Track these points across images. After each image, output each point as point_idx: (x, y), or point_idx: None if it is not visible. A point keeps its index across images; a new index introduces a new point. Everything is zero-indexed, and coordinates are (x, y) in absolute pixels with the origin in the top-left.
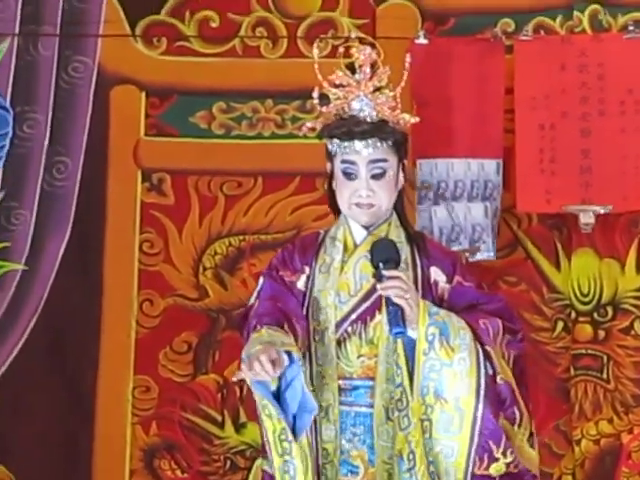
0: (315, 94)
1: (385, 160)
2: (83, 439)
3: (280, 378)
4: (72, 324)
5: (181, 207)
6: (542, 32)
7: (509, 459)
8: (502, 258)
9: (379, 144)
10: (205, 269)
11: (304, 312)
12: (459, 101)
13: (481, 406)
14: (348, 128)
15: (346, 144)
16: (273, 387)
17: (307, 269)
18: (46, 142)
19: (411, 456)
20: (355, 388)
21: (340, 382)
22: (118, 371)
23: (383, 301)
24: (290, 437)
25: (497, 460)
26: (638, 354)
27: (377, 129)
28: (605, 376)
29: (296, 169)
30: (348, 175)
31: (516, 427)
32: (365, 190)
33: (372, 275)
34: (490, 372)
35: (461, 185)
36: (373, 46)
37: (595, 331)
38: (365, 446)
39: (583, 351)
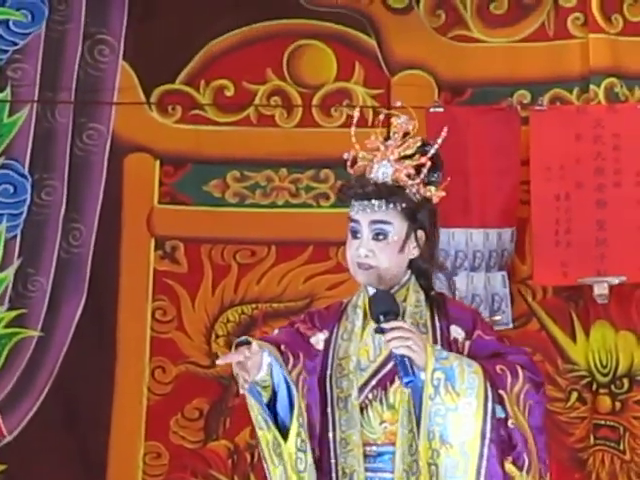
0: (347, 156)
1: (388, 222)
2: None
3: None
4: (85, 390)
5: (194, 275)
6: (558, 104)
7: None
8: (517, 328)
9: (384, 206)
10: (217, 337)
11: (327, 379)
12: (476, 170)
13: (486, 450)
14: (356, 188)
15: (355, 203)
16: (265, 399)
17: (326, 332)
18: (63, 209)
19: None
20: (380, 455)
21: (365, 448)
22: (130, 437)
23: (392, 355)
24: (280, 441)
25: None
26: None
27: (386, 192)
28: (622, 447)
29: (309, 238)
30: (353, 234)
31: (524, 473)
32: (364, 250)
33: (374, 330)
34: (502, 416)
35: (480, 255)
36: (410, 117)
37: (613, 402)
38: None
39: (602, 422)
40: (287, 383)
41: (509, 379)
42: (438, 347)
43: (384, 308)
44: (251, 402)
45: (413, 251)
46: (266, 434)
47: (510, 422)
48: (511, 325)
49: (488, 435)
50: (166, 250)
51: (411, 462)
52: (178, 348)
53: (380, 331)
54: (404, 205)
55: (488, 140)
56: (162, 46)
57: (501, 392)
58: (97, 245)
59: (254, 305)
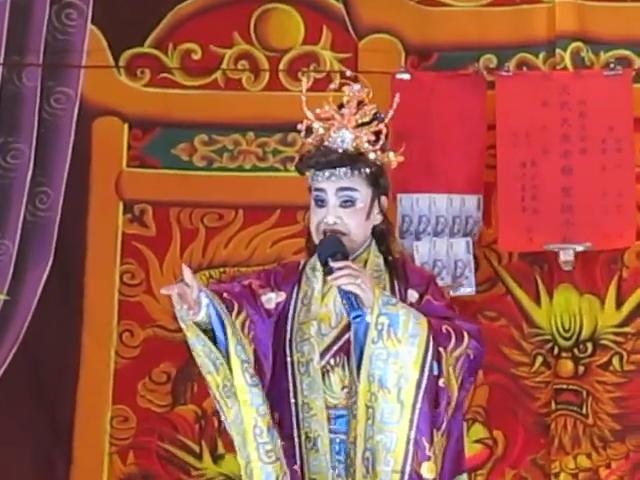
0: (301, 126)
1: (354, 189)
2: (61, 468)
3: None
4: (52, 354)
5: (162, 238)
6: (525, 68)
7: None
8: (482, 293)
9: (349, 173)
10: None
11: (287, 345)
12: (441, 136)
13: (420, 400)
14: (318, 158)
15: (318, 173)
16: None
17: (282, 294)
18: (29, 173)
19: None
20: (339, 417)
21: (326, 412)
22: (97, 401)
23: (337, 292)
24: (230, 377)
25: (429, 459)
26: (617, 390)
27: (349, 159)
28: (584, 411)
29: (277, 202)
30: (318, 203)
31: (440, 435)
32: (332, 217)
33: (322, 273)
34: (435, 372)
35: (443, 221)
36: (358, 81)
37: (576, 367)
38: (345, 473)
39: (564, 386)
40: (223, 324)
41: (452, 341)
42: (387, 293)
43: (333, 250)
44: (196, 346)
45: (377, 217)
46: (215, 377)
47: (442, 381)
48: (474, 291)
49: (423, 386)
50: (134, 213)
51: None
52: (146, 312)
53: (329, 272)
54: (368, 171)
55: (454, 106)
56: (130, 9)
57: (440, 350)
58: (65, 209)
59: (222, 269)
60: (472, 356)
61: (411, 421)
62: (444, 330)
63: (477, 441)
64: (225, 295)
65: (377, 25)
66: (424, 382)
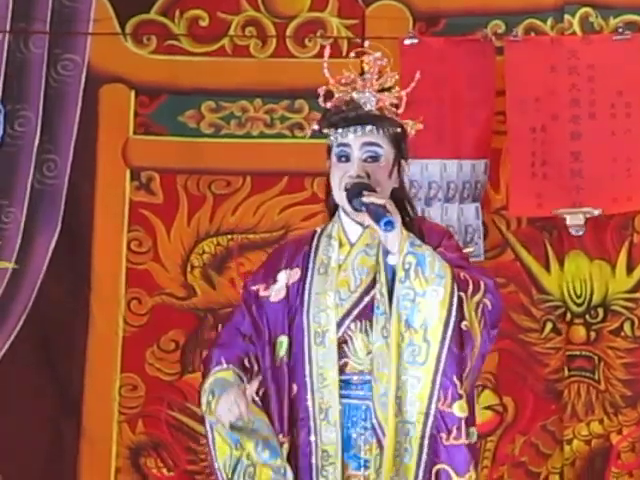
0: (321, 90)
1: (380, 146)
2: (69, 436)
3: None
4: (60, 322)
5: (169, 206)
6: (533, 34)
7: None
8: (491, 259)
9: (375, 131)
10: (193, 268)
11: (304, 316)
12: (449, 101)
13: (448, 339)
14: (345, 114)
15: (342, 130)
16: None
17: (297, 269)
18: (37, 140)
19: (385, 380)
20: (367, 382)
21: (350, 377)
22: (105, 369)
23: (365, 211)
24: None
25: (461, 397)
26: (628, 355)
27: (374, 117)
28: (597, 377)
29: (285, 169)
30: (341, 158)
31: (463, 378)
32: (355, 170)
33: (353, 209)
34: (459, 316)
35: (453, 186)
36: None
37: (587, 333)
38: (375, 440)
39: (577, 352)
40: None
41: (471, 287)
42: (412, 235)
43: (360, 188)
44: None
45: (396, 179)
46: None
47: (464, 324)
48: (483, 257)
49: (451, 325)
50: (142, 181)
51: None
52: (154, 279)
53: (361, 205)
54: (392, 132)
55: (462, 71)
56: None
57: (461, 294)
58: (72, 176)
59: (229, 236)
60: (490, 306)
61: (438, 361)
62: (462, 276)
63: (487, 407)
64: (246, 363)
65: None
66: (452, 322)
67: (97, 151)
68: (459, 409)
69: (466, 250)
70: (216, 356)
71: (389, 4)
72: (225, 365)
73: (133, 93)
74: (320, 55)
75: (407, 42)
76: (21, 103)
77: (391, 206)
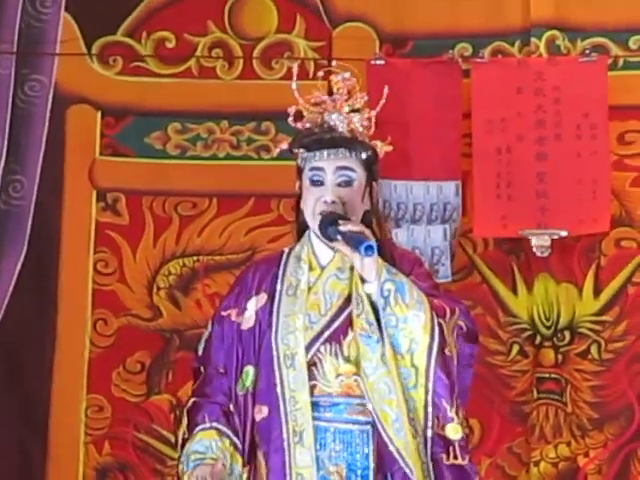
0: (291, 110)
1: (353, 170)
2: (36, 457)
3: None
4: (27, 343)
5: (135, 227)
6: (500, 56)
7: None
8: (458, 281)
9: (348, 154)
10: (159, 289)
11: (272, 337)
12: (417, 122)
13: (433, 362)
14: (319, 136)
15: (315, 152)
16: None
17: (264, 294)
18: (2, 160)
19: (395, 405)
20: (334, 405)
21: (318, 399)
22: (72, 390)
23: (342, 239)
24: None
25: (452, 420)
26: (594, 378)
27: (347, 141)
28: (564, 399)
29: (251, 190)
30: (314, 182)
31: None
32: (330, 196)
33: (329, 238)
34: (441, 342)
35: (420, 208)
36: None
37: (555, 355)
38: (344, 462)
39: (546, 375)
40: None
41: (448, 313)
42: (386, 263)
43: (333, 217)
44: None
45: (368, 202)
46: None
47: (447, 350)
48: (450, 278)
49: (435, 349)
50: (108, 202)
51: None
52: (120, 300)
53: (336, 234)
54: (364, 155)
55: (429, 92)
56: None
57: (440, 320)
58: (38, 197)
59: (195, 257)
60: (465, 328)
61: (426, 385)
62: (436, 303)
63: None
64: (230, 407)
65: (351, 13)
66: (435, 347)
67: (64, 172)
68: (452, 431)
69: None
70: (201, 411)
71: (356, 26)
72: (208, 424)
73: (99, 114)
74: (287, 77)
75: (373, 63)
76: None
77: (368, 231)
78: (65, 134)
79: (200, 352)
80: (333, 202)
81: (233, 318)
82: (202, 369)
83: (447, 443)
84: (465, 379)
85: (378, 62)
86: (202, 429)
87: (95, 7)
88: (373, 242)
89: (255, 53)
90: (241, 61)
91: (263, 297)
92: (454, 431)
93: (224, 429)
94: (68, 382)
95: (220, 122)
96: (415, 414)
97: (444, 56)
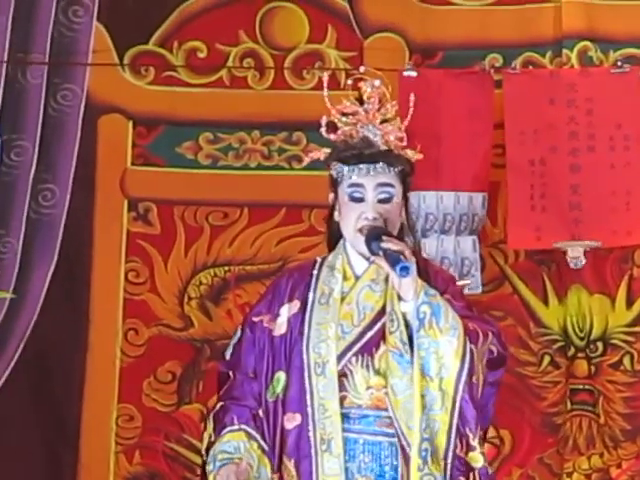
0: (323, 121)
1: (392, 185)
2: (67, 466)
3: None
4: (58, 352)
5: (167, 237)
6: (531, 67)
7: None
8: (489, 292)
9: (387, 170)
10: (190, 299)
11: (304, 345)
12: (448, 133)
13: (461, 390)
14: (358, 151)
15: (354, 167)
16: None
17: (297, 302)
18: (32, 169)
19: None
20: (364, 417)
21: (348, 410)
22: (102, 399)
23: (382, 255)
24: None
25: (474, 449)
26: (627, 389)
27: (385, 155)
28: (597, 411)
29: (282, 200)
30: (355, 199)
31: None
32: (372, 212)
33: (371, 253)
34: (470, 369)
35: (450, 218)
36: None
37: (588, 366)
38: (372, 474)
39: (580, 386)
40: None
41: (481, 338)
42: (425, 284)
43: (381, 232)
44: None
45: (404, 215)
46: None
47: (474, 378)
48: (480, 290)
49: (464, 376)
50: (139, 212)
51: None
52: (151, 310)
53: (378, 249)
54: (400, 168)
55: (461, 103)
56: (135, 7)
57: (472, 346)
58: (71, 206)
59: (227, 267)
60: (495, 353)
61: (452, 410)
62: (471, 327)
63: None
64: (260, 413)
65: (382, 24)
66: (464, 373)
67: (95, 181)
68: (473, 460)
69: (462, 282)
70: (229, 413)
71: (387, 36)
72: (237, 425)
73: (131, 124)
74: (318, 87)
75: (406, 74)
76: (18, 133)
77: (408, 252)
78: (97, 143)
79: (228, 357)
80: (375, 219)
81: (265, 324)
82: (231, 374)
83: (468, 469)
84: (488, 404)
85: (410, 73)
86: (230, 430)
87: (127, 17)
88: (410, 264)
89: (286, 63)
90: (272, 71)
91: (296, 305)
92: (475, 460)
93: (253, 432)
94: (99, 392)
95: (251, 132)
96: (437, 438)
97: (476, 67)
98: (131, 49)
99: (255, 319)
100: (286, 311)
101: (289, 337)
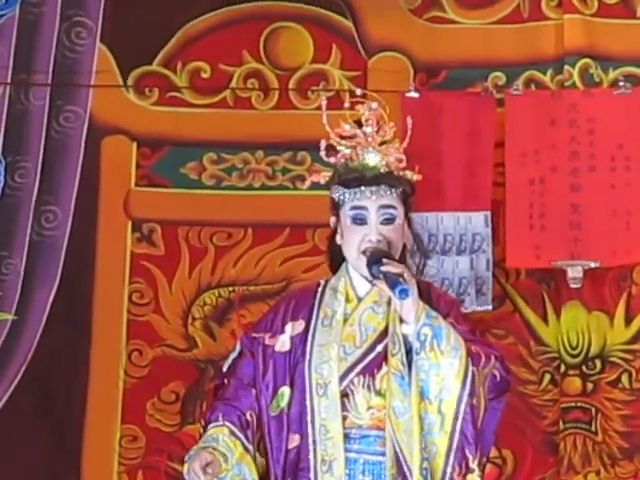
0: (322, 145)
1: (394, 207)
2: None
3: None
4: (60, 373)
5: (171, 258)
6: (533, 86)
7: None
8: (490, 311)
9: (389, 192)
10: (194, 319)
11: (306, 366)
12: (449, 154)
13: (462, 413)
14: (360, 174)
15: (356, 190)
16: None
17: (301, 321)
18: (35, 191)
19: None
20: (364, 437)
21: (349, 430)
22: (106, 420)
23: (382, 278)
24: None
25: (473, 471)
26: (625, 407)
27: (386, 177)
28: (594, 428)
29: (286, 220)
30: (358, 221)
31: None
32: (375, 235)
33: (372, 276)
34: (471, 392)
35: (450, 239)
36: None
37: (584, 384)
38: None
39: (573, 404)
40: None
41: (483, 361)
42: (428, 307)
43: (382, 255)
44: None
45: (407, 235)
46: None
47: (474, 400)
48: (490, 307)
49: (465, 399)
50: (143, 232)
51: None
52: (155, 331)
53: (379, 273)
54: (402, 190)
55: (462, 124)
56: (139, 28)
57: (473, 369)
58: (73, 228)
59: (231, 288)
60: (498, 377)
61: (452, 434)
62: (473, 349)
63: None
64: (248, 416)
65: (386, 43)
66: (465, 396)
67: (98, 202)
68: None
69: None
70: (216, 411)
71: (391, 55)
72: (221, 421)
73: (135, 145)
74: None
75: (408, 95)
76: (21, 154)
77: (407, 274)
78: (100, 165)
79: (225, 369)
80: (378, 241)
81: (266, 341)
82: (226, 381)
83: None
84: (487, 429)
85: (413, 94)
86: (214, 426)
87: (131, 38)
88: (409, 286)
89: (291, 83)
90: (276, 91)
91: (301, 324)
92: None
93: (236, 430)
94: (102, 412)
95: (255, 152)
96: (434, 461)
97: (477, 86)
98: (135, 70)
99: (255, 335)
100: (290, 329)
101: (291, 355)
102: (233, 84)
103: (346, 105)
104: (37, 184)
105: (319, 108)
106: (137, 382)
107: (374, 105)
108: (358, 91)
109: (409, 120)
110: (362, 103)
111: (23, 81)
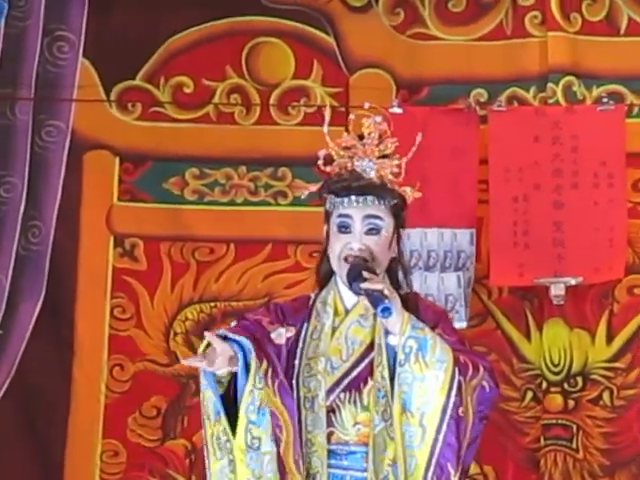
0: (321, 154)
1: (381, 218)
2: None
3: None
4: (43, 387)
5: (153, 273)
6: (515, 103)
7: None
8: (472, 328)
9: (377, 202)
10: (176, 334)
11: (294, 379)
12: (433, 170)
13: (444, 426)
14: (348, 183)
15: (344, 199)
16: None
17: (292, 329)
18: (22, 206)
19: (386, 463)
20: (351, 453)
21: (336, 447)
22: (87, 435)
23: (364, 295)
24: (230, 436)
25: None
26: (606, 425)
27: (376, 188)
28: (575, 445)
29: (268, 236)
30: (342, 229)
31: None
32: (357, 243)
33: (354, 290)
34: (457, 403)
35: (434, 255)
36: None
37: (565, 401)
38: None
39: (554, 421)
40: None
41: (470, 371)
42: (414, 317)
43: (362, 268)
44: (205, 390)
45: (395, 249)
46: (212, 426)
47: (461, 410)
48: (465, 324)
49: (449, 412)
50: (125, 247)
51: (380, 460)
52: (136, 346)
53: (359, 289)
54: (392, 202)
55: (446, 140)
56: (122, 43)
57: (460, 378)
58: (56, 242)
59: (213, 303)
60: (487, 389)
61: (433, 447)
62: (462, 360)
63: (468, 477)
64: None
65: (368, 59)
66: (449, 409)
67: (80, 217)
68: None
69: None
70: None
71: (373, 72)
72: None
73: (117, 160)
74: (304, 123)
75: (391, 110)
76: (7, 169)
77: (389, 291)
78: (82, 180)
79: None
80: (360, 250)
81: (264, 323)
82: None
83: None
84: (477, 438)
85: (396, 110)
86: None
87: (113, 53)
88: (391, 304)
89: (272, 99)
90: (258, 107)
91: (291, 330)
92: None
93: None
94: (84, 427)
95: (238, 168)
96: (414, 474)
97: (460, 103)
98: (117, 85)
99: (253, 317)
100: (284, 330)
101: (284, 349)
102: (216, 99)
103: (351, 117)
104: (24, 199)
105: (300, 124)
106: (118, 397)
107: (378, 119)
108: (366, 105)
109: (419, 137)
110: (367, 117)
111: (7, 95)
